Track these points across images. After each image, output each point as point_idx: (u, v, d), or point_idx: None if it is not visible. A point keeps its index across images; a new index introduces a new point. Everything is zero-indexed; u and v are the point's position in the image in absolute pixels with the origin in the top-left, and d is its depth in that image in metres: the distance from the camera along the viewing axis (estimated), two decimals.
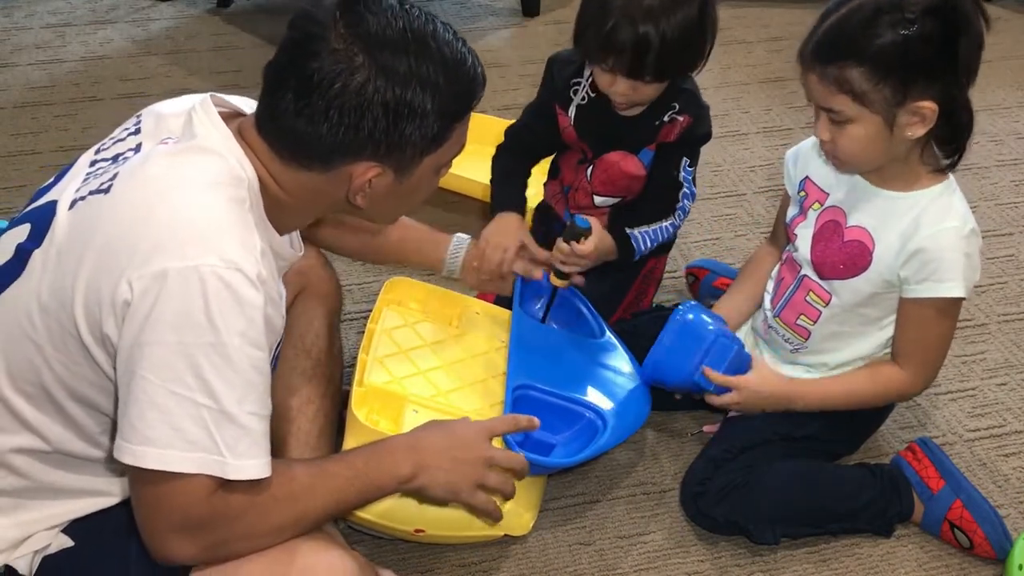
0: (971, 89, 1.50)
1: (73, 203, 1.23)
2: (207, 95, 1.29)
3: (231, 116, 1.29)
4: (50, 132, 2.69)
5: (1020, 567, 1.55)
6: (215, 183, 1.19)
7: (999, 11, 3.26)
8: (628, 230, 1.82)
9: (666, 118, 1.81)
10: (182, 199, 1.17)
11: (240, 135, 1.25)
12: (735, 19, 3.33)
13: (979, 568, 1.64)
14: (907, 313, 1.60)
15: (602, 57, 1.70)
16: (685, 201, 1.87)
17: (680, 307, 1.66)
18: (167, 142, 1.25)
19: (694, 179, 1.88)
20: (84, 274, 1.17)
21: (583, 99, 1.86)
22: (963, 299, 1.58)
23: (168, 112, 1.31)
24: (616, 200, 1.91)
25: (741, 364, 1.65)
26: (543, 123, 1.92)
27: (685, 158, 1.84)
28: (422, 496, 1.41)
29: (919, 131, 1.47)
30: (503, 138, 1.99)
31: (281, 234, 1.31)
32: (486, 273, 1.80)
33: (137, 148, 1.28)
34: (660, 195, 1.86)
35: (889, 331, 1.65)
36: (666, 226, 1.86)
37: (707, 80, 2.92)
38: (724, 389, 1.64)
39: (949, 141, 1.52)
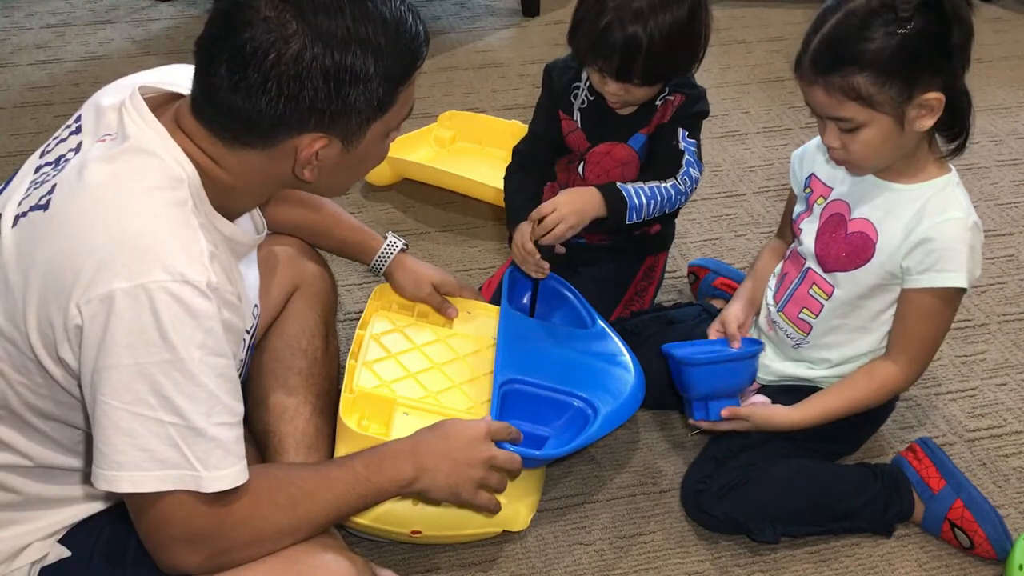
0: (969, 84, 1.50)
1: (16, 220, 1.19)
2: (136, 86, 1.23)
3: (165, 103, 1.24)
4: (50, 132, 2.63)
5: (1020, 567, 1.55)
6: (152, 189, 1.15)
7: (999, 11, 3.26)
8: (620, 185, 1.79)
9: (659, 101, 1.82)
10: (121, 213, 1.13)
11: (176, 124, 1.20)
12: (735, 19, 3.33)
13: (979, 568, 1.64)
14: (907, 303, 1.60)
15: (591, 60, 1.72)
16: (690, 168, 1.83)
17: (757, 347, 1.70)
18: (104, 139, 1.20)
19: (699, 154, 1.86)
20: (33, 299, 1.14)
21: (583, 103, 1.87)
22: (964, 291, 1.58)
23: (107, 104, 1.25)
24: None
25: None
26: (548, 134, 1.92)
27: (682, 129, 1.83)
28: (423, 498, 1.40)
29: (928, 122, 1.48)
30: (511, 157, 1.99)
31: (233, 219, 1.27)
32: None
33: (78, 148, 1.23)
34: (662, 165, 1.84)
35: (889, 326, 1.65)
36: (666, 187, 1.81)
37: (707, 80, 2.91)
38: (716, 416, 1.66)
39: (951, 126, 1.53)
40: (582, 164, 1.90)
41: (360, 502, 1.32)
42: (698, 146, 1.86)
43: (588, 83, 1.84)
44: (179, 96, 1.25)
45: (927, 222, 1.54)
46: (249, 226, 1.37)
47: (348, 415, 1.59)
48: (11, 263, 1.17)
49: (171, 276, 1.10)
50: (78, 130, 1.26)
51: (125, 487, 1.13)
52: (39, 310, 1.14)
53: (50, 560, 1.29)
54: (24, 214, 1.19)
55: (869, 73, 1.43)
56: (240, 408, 1.19)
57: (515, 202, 1.89)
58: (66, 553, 1.30)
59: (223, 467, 1.15)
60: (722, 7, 3.36)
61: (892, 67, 1.43)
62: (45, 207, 1.17)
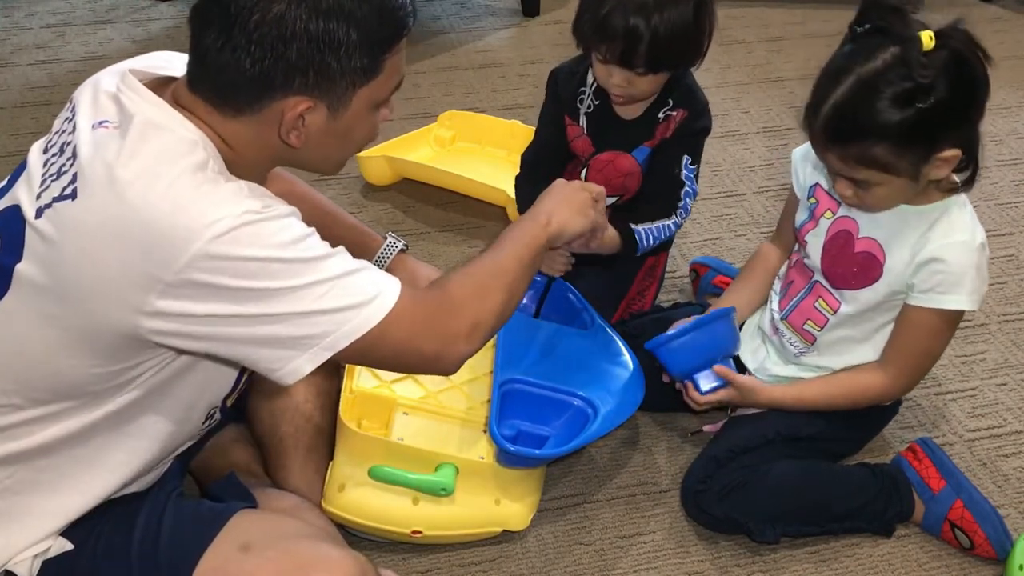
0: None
1: (39, 212, 1.20)
2: (125, 71, 1.25)
3: (161, 86, 1.26)
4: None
5: (1021, 567, 1.55)
6: (174, 158, 1.17)
7: (999, 11, 3.25)
8: (633, 226, 1.83)
9: (661, 114, 1.82)
10: (155, 197, 1.14)
11: (176, 102, 1.22)
12: (735, 19, 3.33)
13: (979, 568, 1.64)
14: (907, 318, 1.60)
15: (595, 45, 1.72)
16: (687, 200, 1.87)
17: (720, 311, 1.70)
18: (106, 126, 1.21)
19: (696, 177, 1.88)
20: (99, 282, 1.15)
21: (589, 107, 1.87)
22: (963, 312, 1.57)
23: (104, 88, 1.26)
24: (614, 199, 1.91)
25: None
26: (554, 140, 1.93)
27: (686, 156, 1.85)
28: (561, 232, 1.48)
29: (943, 173, 1.47)
30: (520, 166, 1.99)
31: None
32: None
33: (74, 129, 1.24)
34: (662, 194, 1.87)
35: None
36: (668, 224, 1.87)
37: (707, 80, 2.91)
38: (711, 387, 1.68)
39: (964, 167, 1.50)
40: (585, 170, 1.90)
41: (529, 255, 1.41)
42: (698, 168, 1.88)
43: (594, 87, 1.85)
44: (172, 80, 1.27)
45: (934, 243, 1.53)
46: None
47: (348, 415, 1.59)
48: (48, 254, 1.18)
49: (236, 216, 1.14)
50: (73, 114, 1.27)
51: (344, 340, 1.20)
52: (109, 290, 1.15)
53: (53, 553, 1.29)
54: (48, 205, 1.20)
55: (887, 144, 1.40)
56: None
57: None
58: (68, 546, 1.30)
59: (384, 280, 1.24)
60: (722, 7, 3.33)
61: (911, 138, 1.40)
62: (72, 196, 1.18)
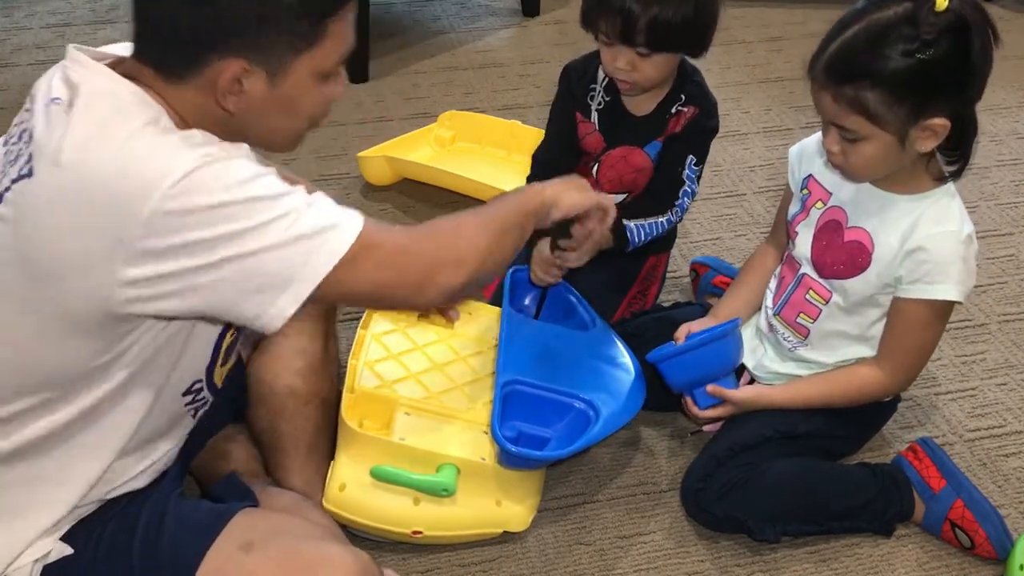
0: (980, 100, 1.51)
1: (0, 197, 1.19)
2: (72, 50, 1.24)
3: (109, 63, 1.24)
4: None
5: (1021, 567, 1.55)
6: (125, 119, 1.15)
7: (999, 11, 3.26)
8: (625, 221, 1.82)
9: (673, 110, 1.83)
10: (105, 159, 1.13)
11: (124, 75, 1.21)
12: (735, 19, 3.33)
13: (979, 568, 1.64)
14: (897, 312, 1.61)
15: (594, 20, 1.74)
16: (684, 199, 1.87)
17: (727, 327, 1.70)
18: (57, 102, 1.20)
19: (699, 178, 1.88)
20: (63, 255, 1.14)
21: (600, 104, 1.88)
22: (954, 304, 1.58)
23: (56, 74, 1.25)
24: (624, 195, 1.91)
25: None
26: (565, 137, 1.93)
27: (692, 155, 1.85)
28: (556, 199, 1.48)
29: (930, 145, 1.48)
30: (532, 166, 1.99)
31: None
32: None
33: (33, 115, 1.23)
34: (660, 190, 1.87)
35: None
36: (661, 222, 1.86)
37: (707, 80, 2.91)
38: (711, 401, 1.70)
39: (954, 149, 1.52)
40: (596, 165, 1.90)
41: (520, 212, 1.41)
42: (702, 168, 1.88)
43: (604, 83, 1.86)
44: (122, 59, 1.26)
45: (921, 232, 1.54)
46: None
47: (349, 415, 1.59)
48: (12, 236, 1.16)
49: (194, 161, 1.12)
50: (32, 103, 1.25)
51: (322, 268, 1.17)
52: (75, 262, 1.14)
53: (53, 558, 1.29)
54: (7, 189, 1.18)
55: (880, 91, 1.42)
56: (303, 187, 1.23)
57: None
58: (69, 550, 1.29)
59: (345, 212, 1.22)
60: (722, 7, 3.36)
61: (905, 89, 1.42)
62: (29, 175, 1.16)
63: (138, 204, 1.11)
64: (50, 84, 1.24)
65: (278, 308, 1.18)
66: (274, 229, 1.15)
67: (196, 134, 1.18)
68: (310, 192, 1.23)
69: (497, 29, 3.28)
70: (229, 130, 1.24)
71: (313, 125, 1.30)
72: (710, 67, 3.00)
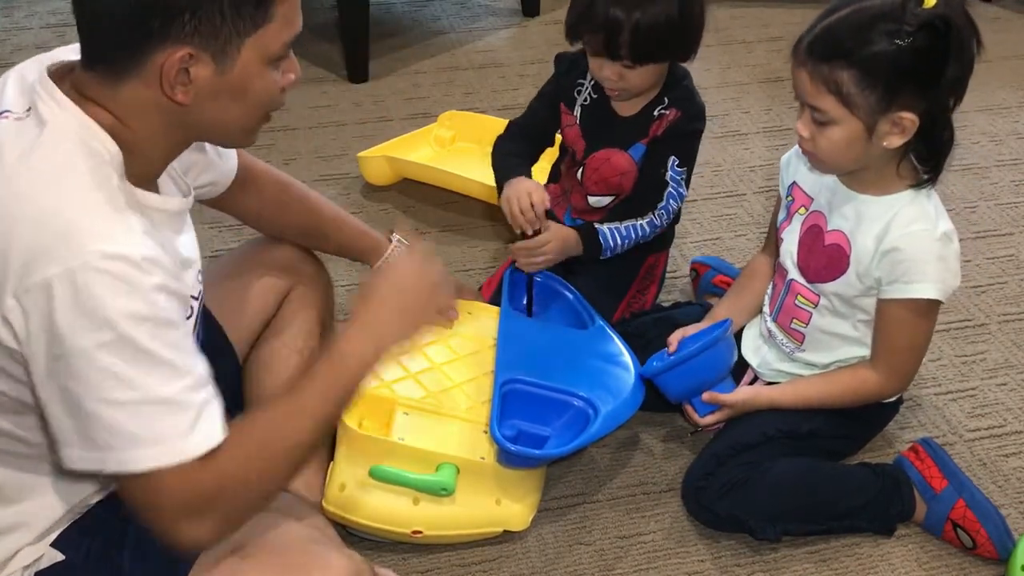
0: (969, 84, 1.49)
1: None
2: (43, 68, 1.20)
3: (67, 73, 1.20)
4: None
5: (1022, 567, 1.55)
6: (77, 173, 1.12)
7: (999, 11, 3.25)
8: (598, 225, 1.82)
9: (656, 113, 1.82)
10: (45, 195, 1.09)
11: (77, 91, 1.17)
12: (735, 19, 3.33)
13: (980, 568, 1.64)
14: (881, 313, 1.61)
15: (580, 35, 1.74)
16: (670, 201, 1.85)
17: (717, 332, 1.70)
18: (7, 116, 1.16)
19: (686, 181, 1.87)
20: None
21: (586, 100, 1.87)
22: (938, 303, 1.58)
23: (24, 77, 1.21)
24: (610, 199, 1.91)
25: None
26: (545, 115, 1.93)
27: (674, 157, 1.84)
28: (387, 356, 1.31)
29: (896, 142, 1.49)
30: (504, 129, 1.99)
31: (156, 189, 1.23)
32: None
33: None
34: (644, 193, 1.86)
35: None
36: (642, 224, 1.84)
37: (707, 80, 2.92)
38: (710, 408, 1.71)
39: (928, 158, 1.53)
40: (581, 170, 1.90)
41: (338, 406, 1.26)
42: (689, 171, 1.87)
43: (592, 81, 1.85)
44: (71, 69, 1.21)
45: (895, 232, 1.54)
46: (174, 191, 1.32)
47: (349, 415, 1.59)
48: None
49: (104, 256, 1.07)
50: None
51: (112, 467, 1.10)
52: None
53: (44, 564, 1.28)
54: None
55: (855, 72, 1.44)
56: (202, 370, 1.15)
57: (508, 161, 1.88)
58: (60, 556, 1.28)
59: (201, 429, 1.12)
60: (722, 7, 3.36)
61: (878, 73, 1.43)
62: None
63: (53, 254, 1.06)
64: (7, 89, 1.20)
65: (69, 453, 1.12)
66: (119, 393, 1.08)
67: (143, 224, 1.12)
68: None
69: (497, 29, 3.28)
70: (184, 124, 1.20)
71: (266, 112, 1.25)
72: (710, 67, 3.00)
